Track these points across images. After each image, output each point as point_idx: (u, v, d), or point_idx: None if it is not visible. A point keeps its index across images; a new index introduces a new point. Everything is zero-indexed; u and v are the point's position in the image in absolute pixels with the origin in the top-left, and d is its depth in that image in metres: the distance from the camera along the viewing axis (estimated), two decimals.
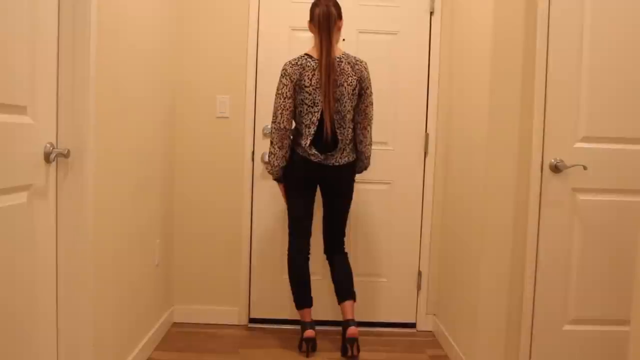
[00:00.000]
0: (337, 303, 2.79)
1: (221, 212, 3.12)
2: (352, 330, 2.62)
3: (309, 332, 2.69)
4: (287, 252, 2.78)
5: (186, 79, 3.08)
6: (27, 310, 1.65)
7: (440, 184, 3.12)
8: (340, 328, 2.74)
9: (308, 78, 2.57)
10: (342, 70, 2.59)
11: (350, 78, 2.60)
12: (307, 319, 2.72)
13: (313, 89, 2.57)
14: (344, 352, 2.68)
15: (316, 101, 2.58)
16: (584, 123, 2.36)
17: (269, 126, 3.03)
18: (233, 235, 3.13)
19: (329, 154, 2.63)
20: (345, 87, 2.59)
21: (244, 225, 3.12)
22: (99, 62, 1.91)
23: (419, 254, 3.17)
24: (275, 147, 2.62)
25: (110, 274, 2.15)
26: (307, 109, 2.59)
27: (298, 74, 2.57)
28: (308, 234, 2.76)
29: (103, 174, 2.02)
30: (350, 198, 2.77)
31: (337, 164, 2.64)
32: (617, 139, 2.37)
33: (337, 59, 2.59)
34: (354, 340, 2.62)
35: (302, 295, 2.74)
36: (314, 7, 2.62)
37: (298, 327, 2.93)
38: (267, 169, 2.71)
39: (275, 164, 2.64)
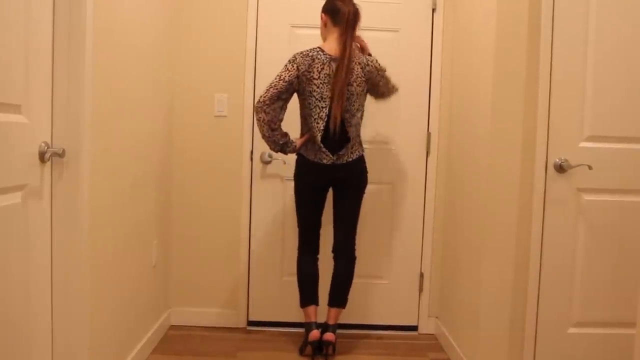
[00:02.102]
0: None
1: (219, 212, 3.12)
2: (329, 335, 2.68)
3: (315, 334, 2.66)
4: (296, 254, 2.82)
5: (184, 77, 3.08)
6: (22, 312, 1.65)
7: (443, 184, 3.12)
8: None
9: (317, 71, 2.59)
10: (352, 70, 2.61)
11: (359, 79, 2.63)
12: (312, 319, 2.71)
13: (321, 82, 2.59)
14: (319, 351, 2.68)
15: (324, 96, 2.60)
16: (589, 122, 2.36)
17: None
18: (231, 235, 3.14)
19: (340, 153, 2.64)
20: (354, 87, 2.62)
21: (242, 225, 3.12)
22: (95, 60, 1.91)
23: (421, 255, 3.17)
24: (257, 120, 2.60)
25: (107, 275, 2.15)
26: (315, 102, 2.61)
27: (307, 65, 2.59)
28: (317, 238, 2.79)
29: (99, 174, 2.02)
30: (360, 194, 2.77)
31: (349, 159, 2.66)
32: (623, 138, 2.37)
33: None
34: (329, 344, 2.67)
35: (308, 291, 2.74)
36: (339, 4, 2.64)
37: (298, 329, 2.93)
38: (271, 148, 2.67)
39: (266, 134, 2.59)
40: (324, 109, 2.61)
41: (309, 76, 2.59)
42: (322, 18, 2.71)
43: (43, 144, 1.73)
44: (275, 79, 2.59)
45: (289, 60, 2.63)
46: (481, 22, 2.57)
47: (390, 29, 3.10)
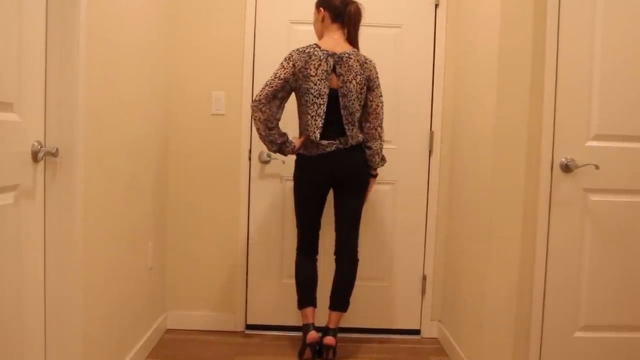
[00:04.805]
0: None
1: (217, 213, 3.12)
2: (329, 339, 2.68)
3: (313, 335, 2.66)
4: (295, 256, 2.83)
5: (180, 74, 3.08)
6: (14, 315, 1.65)
7: (446, 184, 3.12)
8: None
9: (314, 67, 2.58)
10: (350, 67, 2.61)
11: (359, 76, 2.63)
12: (310, 320, 2.71)
13: (319, 79, 2.58)
14: (319, 355, 2.70)
15: (322, 92, 2.59)
16: (596, 120, 2.36)
17: None
18: (229, 237, 3.13)
19: (341, 138, 2.64)
20: (353, 85, 2.61)
21: (240, 226, 3.12)
22: (89, 58, 1.91)
23: (424, 257, 3.17)
24: (253, 119, 2.58)
25: (101, 278, 2.15)
26: (312, 99, 2.60)
27: (303, 61, 2.58)
28: (317, 240, 2.80)
29: (93, 174, 2.02)
30: (363, 192, 2.76)
31: (347, 146, 2.65)
32: (631, 137, 2.38)
33: (347, 55, 2.62)
34: (330, 347, 2.67)
35: (306, 293, 2.74)
36: (341, 1, 2.67)
37: (297, 333, 2.93)
38: (269, 149, 2.66)
39: (263, 134, 2.58)
40: (321, 106, 2.60)
41: (305, 73, 2.58)
42: (319, 12, 2.71)
43: (36, 143, 1.73)
44: (271, 77, 2.58)
45: (285, 58, 2.62)
46: (485, 17, 2.57)
47: (392, 25, 3.10)
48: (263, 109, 2.54)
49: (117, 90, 2.25)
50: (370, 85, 2.68)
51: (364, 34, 3.04)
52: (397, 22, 3.10)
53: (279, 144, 2.63)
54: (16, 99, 1.63)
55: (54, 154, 1.76)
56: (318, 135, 2.62)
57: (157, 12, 2.76)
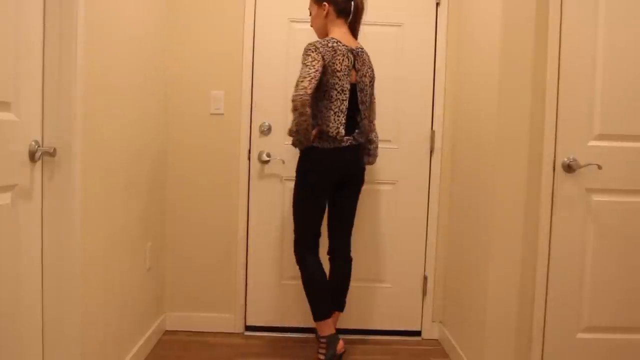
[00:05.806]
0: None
1: (216, 213, 3.12)
2: (339, 344, 2.59)
3: (342, 345, 2.59)
4: (296, 260, 2.68)
5: (178, 73, 3.08)
6: (11, 318, 1.65)
7: (447, 184, 3.12)
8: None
9: (339, 62, 2.51)
10: (364, 62, 2.62)
11: (370, 70, 2.65)
12: (334, 329, 2.59)
13: (343, 74, 2.53)
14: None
15: (344, 88, 2.54)
16: (599, 120, 2.36)
17: (267, 123, 3.04)
18: (228, 238, 3.13)
19: (354, 134, 2.61)
20: (367, 79, 2.63)
21: (240, 227, 3.12)
22: (87, 57, 1.91)
23: (425, 258, 3.17)
24: (297, 113, 2.41)
25: (99, 279, 2.15)
26: (336, 95, 2.53)
27: (330, 55, 2.49)
28: (318, 242, 2.68)
29: (91, 174, 2.02)
30: (359, 191, 2.74)
31: (360, 141, 2.64)
32: (634, 136, 2.37)
33: (360, 49, 2.62)
34: (339, 356, 2.59)
35: (325, 299, 2.60)
36: None
37: (297, 334, 2.93)
38: (295, 144, 2.56)
39: (309, 129, 2.44)
40: (344, 102, 2.54)
41: (333, 68, 2.50)
42: (322, 8, 2.65)
43: (33, 143, 1.73)
44: (311, 69, 2.42)
45: (312, 50, 2.48)
46: (487, 16, 2.56)
47: (392, 24, 3.09)
48: (310, 103, 2.40)
49: (115, 90, 2.25)
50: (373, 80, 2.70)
51: (365, 32, 3.05)
52: (397, 21, 3.10)
53: (309, 139, 2.52)
54: (13, 98, 1.63)
55: (52, 154, 1.76)
56: (343, 131, 2.54)
57: (155, 10, 2.76)
